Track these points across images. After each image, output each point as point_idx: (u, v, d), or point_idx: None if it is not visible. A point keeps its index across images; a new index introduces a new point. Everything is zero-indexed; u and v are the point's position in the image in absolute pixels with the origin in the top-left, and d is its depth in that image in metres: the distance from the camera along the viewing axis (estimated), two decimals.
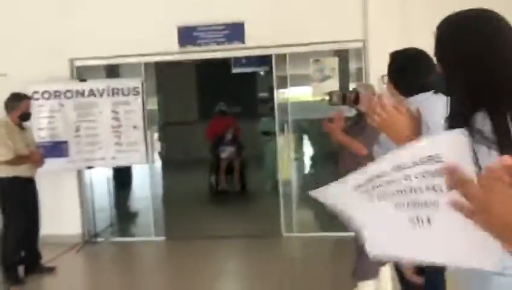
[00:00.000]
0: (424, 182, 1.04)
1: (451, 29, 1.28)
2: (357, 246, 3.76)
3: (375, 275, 3.66)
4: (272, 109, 7.03)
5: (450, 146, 1.00)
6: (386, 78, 2.22)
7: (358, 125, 3.61)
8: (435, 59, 1.38)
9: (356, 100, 2.41)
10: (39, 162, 4.65)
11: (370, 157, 3.39)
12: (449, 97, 1.29)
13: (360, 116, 3.67)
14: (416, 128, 1.44)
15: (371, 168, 1.20)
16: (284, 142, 5.70)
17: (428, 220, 1.07)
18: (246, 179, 8.17)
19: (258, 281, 4.37)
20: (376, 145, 2.21)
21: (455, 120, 1.22)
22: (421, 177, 1.05)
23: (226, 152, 8.00)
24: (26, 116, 4.57)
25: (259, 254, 5.09)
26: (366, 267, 3.67)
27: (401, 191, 1.12)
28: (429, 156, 1.01)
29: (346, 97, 2.45)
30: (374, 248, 1.27)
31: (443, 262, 1.15)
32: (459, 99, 1.25)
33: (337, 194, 1.33)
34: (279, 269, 4.64)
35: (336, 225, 5.01)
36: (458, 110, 1.23)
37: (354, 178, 1.26)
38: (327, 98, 4.19)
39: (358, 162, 3.54)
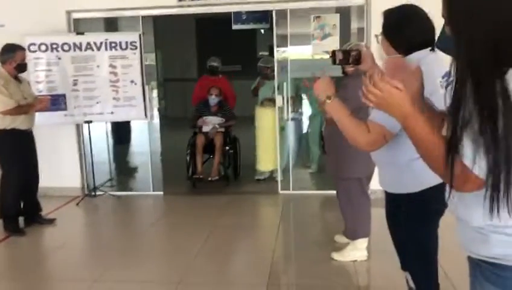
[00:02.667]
0: None
1: None
2: (341, 206, 3.85)
3: (365, 234, 3.75)
4: (265, 73, 6.16)
5: None
6: (380, 38, 2.17)
7: (342, 85, 3.61)
8: (442, 19, 1.30)
9: (358, 60, 2.35)
10: (44, 106, 4.60)
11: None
12: (458, 59, 1.21)
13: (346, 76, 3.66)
14: (419, 93, 1.37)
15: None
16: (282, 104, 5.63)
17: None
18: (236, 162, 6.29)
19: (254, 231, 4.49)
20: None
21: (463, 82, 1.17)
22: None
23: (208, 124, 6.08)
24: (22, 67, 4.51)
25: (255, 207, 5.20)
26: (355, 227, 3.76)
27: None
28: None
29: (350, 56, 2.39)
30: None
31: None
32: (473, 60, 1.16)
33: None
34: (274, 221, 4.75)
35: (325, 183, 5.21)
36: (470, 72, 1.16)
37: None
38: (329, 56, 4.06)
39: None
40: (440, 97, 1.58)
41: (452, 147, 1.18)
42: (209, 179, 5.80)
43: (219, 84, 6.28)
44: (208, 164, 6.10)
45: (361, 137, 1.93)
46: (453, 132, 1.19)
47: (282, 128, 5.83)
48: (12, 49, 4.44)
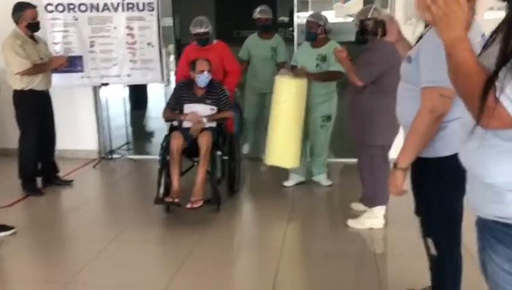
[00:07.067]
0: None
1: None
2: (361, 173, 3.78)
3: (383, 201, 3.69)
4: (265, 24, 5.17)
5: None
6: None
7: (368, 49, 3.48)
8: None
9: (385, 30, 2.31)
10: (61, 64, 4.57)
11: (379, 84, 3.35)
12: None
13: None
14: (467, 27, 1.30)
15: None
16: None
17: None
18: (234, 175, 4.34)
19: (271, 197, 4.47)
20: (404, 61, 2.13)
21: None
22: None
23: (191, 118, 3.98)
24: (33, 26, 4.40)
25: (272, 173, 5.15)
26: (374, 194, 3.70)
27: None
28: None
29: (379, 27, 2.35)
30: None
31: None
32: None
33: None
34: (290, 187, 4.71)
35: (343, 151, 5.11)
36: None
37: None
38: (352, 21, 3.83)
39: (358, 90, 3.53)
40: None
41: (491, 79, 1.14)
42: (188, 206, 3.76)
43: (211, 56, 4.24)
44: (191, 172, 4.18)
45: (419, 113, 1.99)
46: (496, 66, 1.14)
47: None
48: (21, 7, 4.33)
